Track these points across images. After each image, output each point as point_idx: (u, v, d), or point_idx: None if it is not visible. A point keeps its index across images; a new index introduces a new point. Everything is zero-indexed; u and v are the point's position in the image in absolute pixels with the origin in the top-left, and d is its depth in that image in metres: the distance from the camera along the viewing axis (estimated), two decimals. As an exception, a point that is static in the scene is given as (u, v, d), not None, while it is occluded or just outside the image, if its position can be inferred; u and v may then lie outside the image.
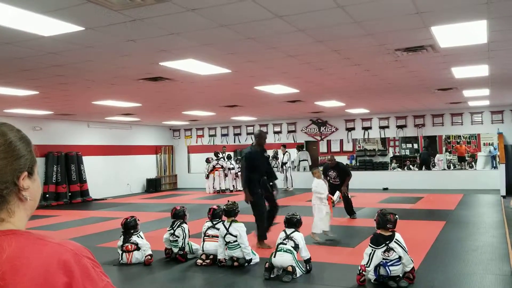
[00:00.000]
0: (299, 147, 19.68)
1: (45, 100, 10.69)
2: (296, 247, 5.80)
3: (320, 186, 8.06)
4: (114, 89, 9.39)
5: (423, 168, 18.49)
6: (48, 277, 1.01)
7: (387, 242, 5.22)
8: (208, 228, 6.79)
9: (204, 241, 6.69)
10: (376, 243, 5.28)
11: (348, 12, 4.78)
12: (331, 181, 10.45)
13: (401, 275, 5.24)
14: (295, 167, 19.21)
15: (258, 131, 8.38)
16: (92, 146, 17.18)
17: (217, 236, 6.57)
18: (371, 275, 5.26)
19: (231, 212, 6.56)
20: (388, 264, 5.17)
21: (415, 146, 21.55)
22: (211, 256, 6.54)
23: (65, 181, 15.69)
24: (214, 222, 6.79)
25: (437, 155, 19.23)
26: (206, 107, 13.72)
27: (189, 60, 6.80)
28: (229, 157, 18.77)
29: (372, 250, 5.28)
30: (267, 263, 5.72)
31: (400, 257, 5.20)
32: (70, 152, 15.95)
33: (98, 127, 17.42)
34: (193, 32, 5.36)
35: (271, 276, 5.69)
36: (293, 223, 6.07)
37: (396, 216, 5.44)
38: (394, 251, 5.19)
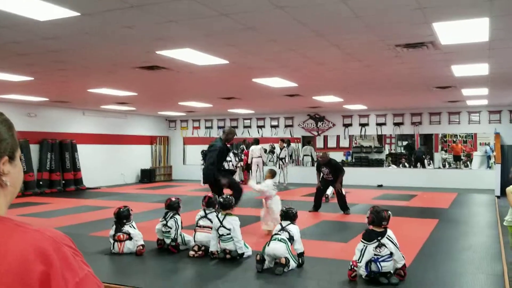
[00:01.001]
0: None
1: (40, 86, 10.59)
2: (291, 238, 5.79)
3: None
4: (110, 77, 9.31)
5: (418, 165, 18.46)
6: (26, 265, 0.95)
7: (379, 238, 5.21)
8: (201, 218, 6.73)
9: (195, 231, 6.65)
10: (368, 238, 5.27)
11: (350, 6, 4.73)
12: (324, 177, 10.44)
13: (392, 271, 5.22)
14: (293, 161, 19.14)
15: (229, 128, 9.00)
16: (87, 134, 17.08)
17: (209, 227, 6.53)
18: (362, 271, 5.24)
19: (226, 205, 6.52)
20: (379, 260, 5.15)
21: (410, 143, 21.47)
22: (203, 248, 6.50)
23: (59, 168, 15.61)
24: (207, 212, 6.73)
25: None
26: (203, 98, 13.65)
27: (187, 49, 6.73)
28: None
29: (364, 245, 5.26)
30: (258, 255, 5.70)
31: (391, 253, 5.18)
32: (65, 140, 15.86)
33: (93, 115, 17.31)
34: (191, 21, 5.29)
35: (263, 268, 5.67)
36: (290, 216, 6.06)
37: (389, 212, 5.42)
38: (386, 247, 5.17)
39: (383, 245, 5.17)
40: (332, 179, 10.32)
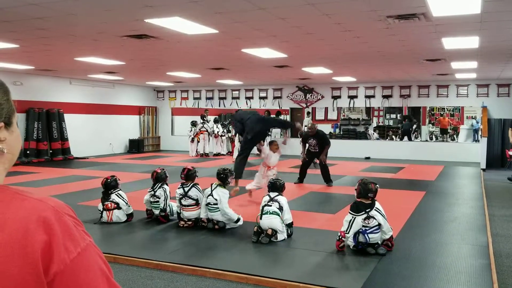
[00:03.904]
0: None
1: (25, 54, 10.37)
2: (281, 209, 5.83)
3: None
4: (97, 45, 9.13)
5: (405, 138, 18.57)
6: (27, 234, 0.92)
7: (367, 210, 5.25)
8: (182, 197, 6.60)
9: (182, 210, 6.62)
10: (357, 210, 5.31)
11: (342, -26, 4.64)
12: (310, 149, 10.45)
13: (380, 242, 5.29)
14: None
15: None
16: (74, 103, 16.88)
17: (191, 205, 6.53)
18: (350, 242, 5.30)
19: (222, 179, 6.52)
20: (368, 231, 5.21)
21: (399, 116, 21.55)
22: (193, 219, 6.52)
23: (46, 138, 15.49)
24: (186, 189, 6.61)
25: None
26: (192, 68, 13.50)
27: (175, 18, 6.60)
28: (216, 121, 18.40)
29: (352, 217, 5.30)
30: (256, 227, 5.76)
31: (379, 225, 5.24)
32: (52, 109, 15.68)
33: (80, 84, 17.08)
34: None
35: (259, 239, 5.72)
36: (277, 187, 6.09)
37: (377, 185, 5.45)
38: (374, 218, 5.22)
39: (372, 217, 5.22)
40: (318, 151, 10.35)
